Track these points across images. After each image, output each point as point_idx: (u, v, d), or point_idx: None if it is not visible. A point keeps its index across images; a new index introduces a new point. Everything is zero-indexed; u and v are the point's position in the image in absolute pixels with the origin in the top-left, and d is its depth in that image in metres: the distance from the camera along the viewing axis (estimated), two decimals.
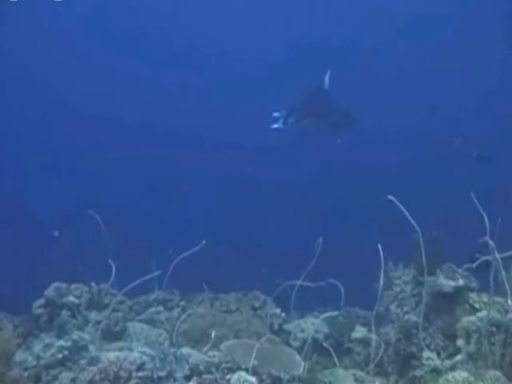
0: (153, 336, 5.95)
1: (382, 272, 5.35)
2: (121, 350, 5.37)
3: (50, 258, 9.42)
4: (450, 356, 5.27)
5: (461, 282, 5.79)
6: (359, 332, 6.20)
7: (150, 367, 4.95)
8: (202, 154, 13.88)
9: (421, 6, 15.00)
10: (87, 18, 15.49)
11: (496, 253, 5.12)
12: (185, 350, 5.33)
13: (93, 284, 6.60)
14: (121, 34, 15.84)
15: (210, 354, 5.20)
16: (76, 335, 5.38)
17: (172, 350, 5.37)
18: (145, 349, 5.26)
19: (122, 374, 4.80)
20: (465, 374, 4.63)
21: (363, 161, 13.32)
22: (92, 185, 12.49)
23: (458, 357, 5.16)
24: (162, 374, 4.98)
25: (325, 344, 5.92)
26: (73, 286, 6.46)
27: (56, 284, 6.33)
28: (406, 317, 5.82)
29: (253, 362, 4.95)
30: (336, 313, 6.12)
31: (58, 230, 9.24)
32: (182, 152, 13.89)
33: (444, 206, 11.41)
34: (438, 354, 5.32)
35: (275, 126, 9.64)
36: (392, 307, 6.13)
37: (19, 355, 5.31)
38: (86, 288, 6.52)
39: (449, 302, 5.76)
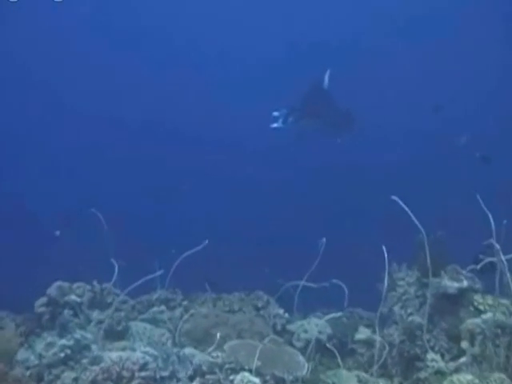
0: (155, 336, 5.94)
1: (387, 273, 5.33)
2: (123, 349, 5.36)
3: (50, 258, 9.41)
4: (455, 358, 5.26)
5: (465, 283, 5.76)
6: (363, 333, 6.18)
7: (153, 367, 4.93)
8: (202, 153, 13.86)
9: (421, 6, 14.99)
10: (87, 18, 15.45)
11: (501, 254, 5.10)
12: (188, 350, 5.31)
13: (95, 283, 6.59)
14: (121, 33, 15.82)
15: (214, 354, 5.17)
16: (78, 334, 5.36)
17: (175, 350, 5.35)
18: (147, 349, 5.24)
19: (125, 373, 4.78)
20: (469, 377, 4.62)
21: (363, 161, 13.32)
22: (92, 185, 12.47)
23: (463, 359, 5.15)
24: (165, 374, 4.96)
25: (328, 345, 5.90)
26: (75, 285, 6.45)
27: (58, 283, 6.33)
28: (410, 318, 5.78)
29: (256, 362, 4.94)
30: (340, 314, 6.11)
31: (58, 230, 9.23)
32: (182, 152, 13.87)
33: (444, 206, 11.41)
34: (442, 355, 5.30)
35: (275, 125, 9.63)
36: (396, 308, 6.10)
37: (21, 354, 5.29)
38: (88, 287, 6.51)
39: (453, 303, 5.74)
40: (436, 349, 5.36)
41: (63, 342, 5.23)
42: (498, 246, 5.06)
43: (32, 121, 14.22)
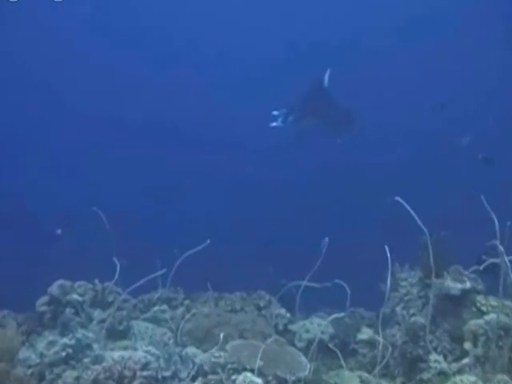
0: (157, 335, 5.94)
1: (390, 273, 5.32)
2: (125, 348, 5.36)
3: (50, 258, 9.40)
4: (457, 359, 5.26)
5: (468, 284, 5.76)
6: (365, 333, 6.19)
7: (155, 367, 4.94)
8: (202, 153, 13.84)
9: (421, 6, 14.97)
10: (87, 18, 15.41)
11: (505, 256, 5.08)
12: (190, 350, 5.30)
13: (97, 282, 6.58)
14: (121, 33, 15.77)
15: (216, 354, 5.16)
16: (80, 333, 5.36)
17: (177, 349, 5.34)
18: (149, 348, 5.24)
19: (127, 373, 4.78)
20: (473, 378, 4.62)
21: (363, 161, 13.31)
22: (92, 185, 12.45)
23: (465, 360, 5.15)
24: (167, 373, 4.96)
25: (330, 345, 5.89)
26: (77, 284, 6.45)
27: (60, 281, 6.34)
28: (413, 319, 5.77)
29: (258, 362, 4.92)
30: (342, 314, 6.10)
31: (59, 229, 9.23)
32: (182, 152, 13.86)
33: (445, 206, 11.40)
34: (445, 356, 5.30)
35: (274, 124, 9.63)
36: (398, 309, 6.09)
37: (23, 353, 5.30)
38: (89, 286, 6.50)
39: (456, 304, 5.73)
40: (439, 350, 5.36)
41: (65, 340, 5.24)
42: (501, 248, 5.04)
43: (32, 121, 14.18)
